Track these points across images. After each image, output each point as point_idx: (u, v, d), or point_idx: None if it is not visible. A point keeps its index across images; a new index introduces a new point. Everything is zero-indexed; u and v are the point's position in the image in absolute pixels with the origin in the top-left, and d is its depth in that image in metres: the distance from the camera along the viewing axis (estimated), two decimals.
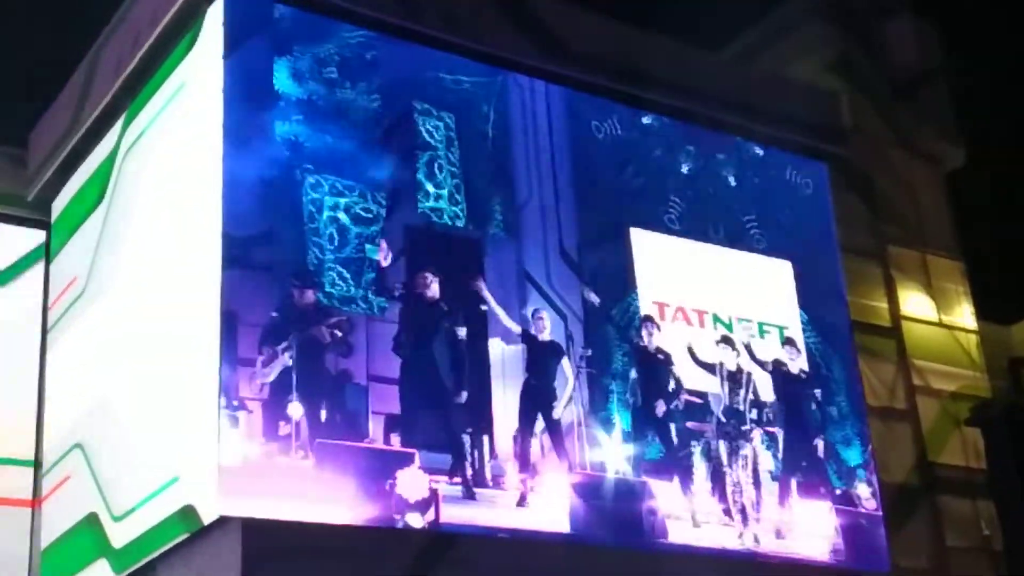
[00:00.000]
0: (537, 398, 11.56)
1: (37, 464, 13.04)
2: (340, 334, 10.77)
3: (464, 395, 11.19)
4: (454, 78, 12.30)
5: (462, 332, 11.31)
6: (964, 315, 15.16)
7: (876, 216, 14.98)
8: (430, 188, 11.81)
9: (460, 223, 11.87)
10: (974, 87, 16.48)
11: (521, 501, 11.11)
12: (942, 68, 16.25)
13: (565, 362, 11.79)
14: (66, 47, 13.94)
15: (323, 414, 10.49)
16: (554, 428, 11.53)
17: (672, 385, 12.34)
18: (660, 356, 12.42)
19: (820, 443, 12.97)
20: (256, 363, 10.39)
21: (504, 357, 11.58)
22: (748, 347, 12.91)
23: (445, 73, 12.27)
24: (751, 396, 12.65)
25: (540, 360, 11.69)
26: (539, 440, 11.43)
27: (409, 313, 11.17)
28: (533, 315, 11.85)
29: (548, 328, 11.82)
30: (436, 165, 11.91)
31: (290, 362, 10.46)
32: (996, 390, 14.92)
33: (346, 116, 11.55)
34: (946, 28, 16.40)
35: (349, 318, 10.88)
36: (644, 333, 12.39)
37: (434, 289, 11.30)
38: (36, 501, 12.94)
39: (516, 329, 11.72)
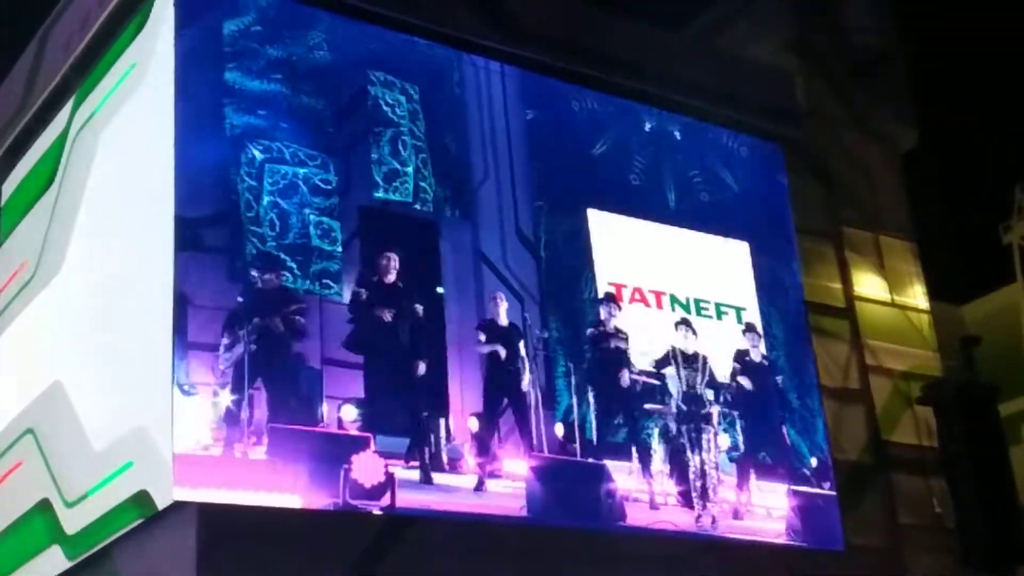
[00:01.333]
0: (497, 381, 11.52)
1: None
2: (300, 320, 10.69)
3: (421, 378, 11.13)
4: (409, 58, 12.22)
5: (419, 314, 11.25)
6: (917, 295, 15.29)
7: (830, 197, 15.05)
8: (385, 168, 11.74)
9: (416, 205, 11.80)
10: (929, 69, 16.59)
11: (479, 486, 11.10)
12: (898, 49, 16.33)
13: (522, 345, 11.77)
14: (14, 26, 13.72)
15: (277, 399, 10.41)
16: (512, 411, 11.51)
17: (629, 366, 12.35)
18: (618, 337, 12.42)
19: (776, 424, 13.05)
20: (219, 348, 10.30)
21: (460, 340, 11.54)
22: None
23: (400, 53, 12.19)
24: (707, 378, 12.70)
25: (499, 343, 11.64)
26: (496, 423, 11.41)
27: (366, 296, 11.08)
28: (491, 298, 11.82)
29: (504, 311, 11.79)
30: (391, 145, 11.84)
31: (253, 347, 10.37)
32: (948, 369, 15.05)
33: (299, 96, 11.44)
34: (902, 9, 16.48)
35: (306, 303, 10.80)
36: (603, 313, 12.39)
37: (393, 272, 11.23)
38: None
39: (473, 312, 11.69)
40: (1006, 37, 17.66)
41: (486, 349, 11.58)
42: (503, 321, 11.78)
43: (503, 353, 11.62)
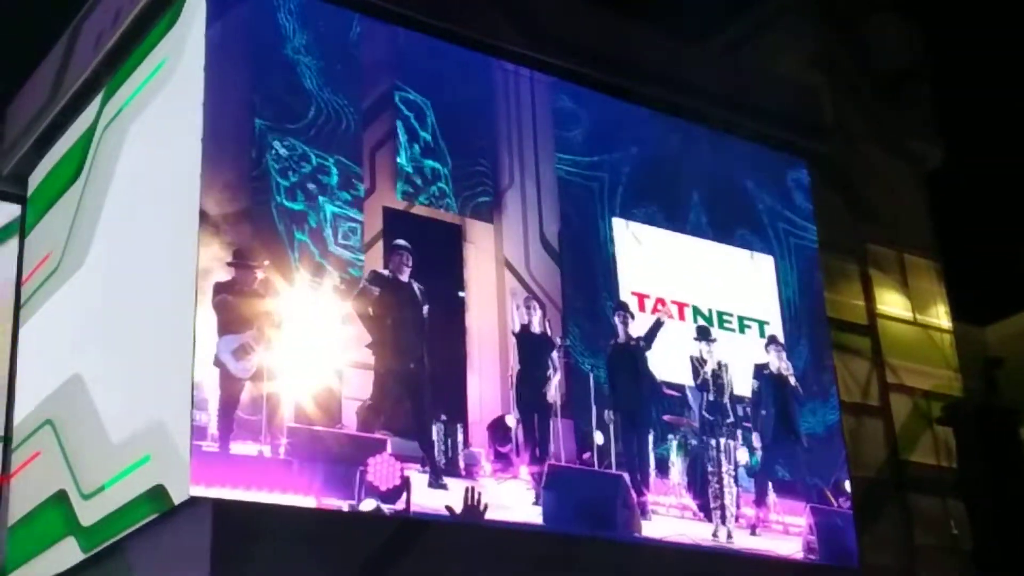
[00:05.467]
0: (521, 388, 11.51)
1: (6, 440, 12.92)
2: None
3: (438, 381, 11.12)
4: (437, 62, 12.23)
5: (438, 318, 11.23)
6: (939, 315, 15.22)
7: (855, 214, 15.00)
8: (410, 170, 11.74)
9: (440, 208, 11.80)
10: (956, 87, 16.51)
11: (494, 490, 11.06)
12: (924, 66, 16.28)
13: (548, 351, 11.74)
14: (46, 19, 13.78)
15: (297, 397, 10.40)
16: (533, 418, 11.48)
17: (649, 377, 12.31)
18: (639, 347, 12.38)
19: (795, 439, 12.98)
20: (239, 345, 10.30)
21: (480, 345, 11.53)
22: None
23: (430, 57, 12.19)
24: (728, 391, 12.65)
25: (530, 350, 11.62)
26: (514, 430, 11.39)
27: (386, 297, 11.07)
28: (524, 305, 11.79)
29: (538, 320, 11.77)
30: (417, 147, 11.84)
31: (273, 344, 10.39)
32: (969, 390, 14.98)
33: (328, 94, 11.45)
34: (929, 26, 16.41)
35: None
36: (618, 322, 12.36)
37: (406, 270, 11.20)
38: (4, 477, 12.83)
39: (494, 317, 11.67)
40: None
41: (518, 356, 11.55)
42: (536, 329, 11.75)
43: (533, 360, 11.59)
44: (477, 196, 12.05)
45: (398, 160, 11.72)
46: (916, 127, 16.01)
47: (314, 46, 11.50)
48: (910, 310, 15.02)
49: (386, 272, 11.17)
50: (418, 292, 11.22)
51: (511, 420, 11.34)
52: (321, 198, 11.14)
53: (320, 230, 11.03)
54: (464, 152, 12.10)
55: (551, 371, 11.69)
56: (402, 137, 11.81)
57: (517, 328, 11.72)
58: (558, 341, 11.90)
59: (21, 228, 13.71)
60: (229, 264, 10.40)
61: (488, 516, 10.89)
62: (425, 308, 11.19)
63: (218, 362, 10.22)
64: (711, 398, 12.53)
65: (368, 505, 10.26)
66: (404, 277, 11.22)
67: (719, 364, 12.70)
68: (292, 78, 11.30)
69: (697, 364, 12.63)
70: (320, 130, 11.31)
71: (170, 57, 11.44)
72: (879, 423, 14.22)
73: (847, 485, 13.15)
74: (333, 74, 11.54)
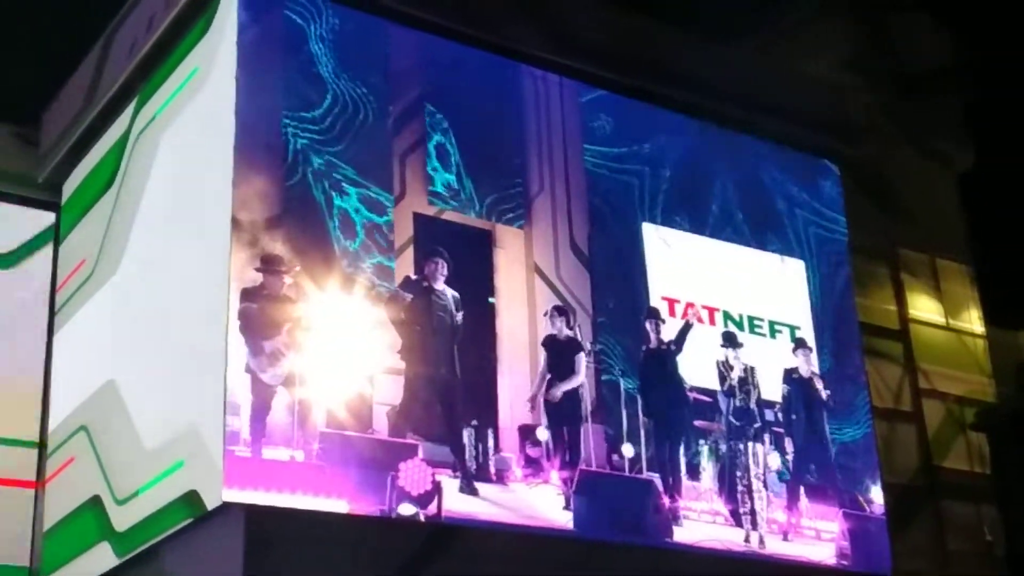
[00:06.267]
0: (551, 394, 11.51)
1: (41, 445, 13.04)
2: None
3: (469, 387, 11.14)
4: (467, 69, 12.26)
5: (468, 324, 11.25)
6: (973, 319, 15.13)
7: (886, 217, 14.92)
8: (441, 177, 11.77)
9: (471, 215, 11.83)
10: (988, 90, 16.40)
11: (524, 495, 11.07)
12: (956, 69, 16.18)
13: (579, 357, 11.74)
14: (80, 27, 13.89)
15: (329, 403, 10.45)
16: (563, 424, 11.48)
17: (680, 382, 12.29)
18: (669, 352, 12.36)
19: (826, 444, 12.92)
20: (272, 350, 10.35)
21: (511, 351, 11.54)
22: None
23: (459, 64, 12.22)
24: (758, 396, 12.60)
25: (558, 356, 11.63)
26: (545, 434, 11.39)
27: (418, 303, 11.11)
28: (551, 313, 11.80)
29: (564, 325, 11.78)
30: (448, 154, 11.87)
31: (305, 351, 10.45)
32: (1003, 395, 14.87)
33: (357, 103, 11.50)
34: (961, 29, 16.31)
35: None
36: (649, 327, 12.34)
37: (441, 278, 11.24)
38: (40, 483, 12.94)
39: (525, 323, 11.68)
40: None
41: (545, 364, 11.58)
42: (563, 336, 11.75)
43: (562, 367, 11.59)
44: (507, 202, 12.06)
45: (428, 166, 11.75)
46: (948, 129, 15.91)
47: (343, 54, 11.54)
48: (943, 314, 14.94)
49: (419, 278, 11.20)
50: (452, 299, 11.25)
51: (543, 432, 11.32)
52: (352, 204, 11.17)
53: (351, 236, 11.06)
54: (493, 158, 12.12)
55: (580, 377, 11.68)
56: (431, 144, 11.83)
57: (545, 336, 11.70)
58: (588, 347, 11.89)
59: (56, 235, 13.82)
60: (258, 270, 10.46)
61: (519, 521, 10.89)
62: (459, 315, 11.21)
63: (249, 368, 10.27)
64: (738, 403, 12.49)
65: (406, 510, 10.28)
66: (438, 284, 11.25)
67: (746, 369, 12.65)
68: (323, 88, 11.33)
69: (724, 369, 12.59)
70: (351, 137, 11.35)
71: (202, 65, 11.52)
72: (912, 429, 14.15)
73: (879, 490, 13.06)
74: (362, 81, 11.57)
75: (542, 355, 11.64)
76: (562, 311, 11.85)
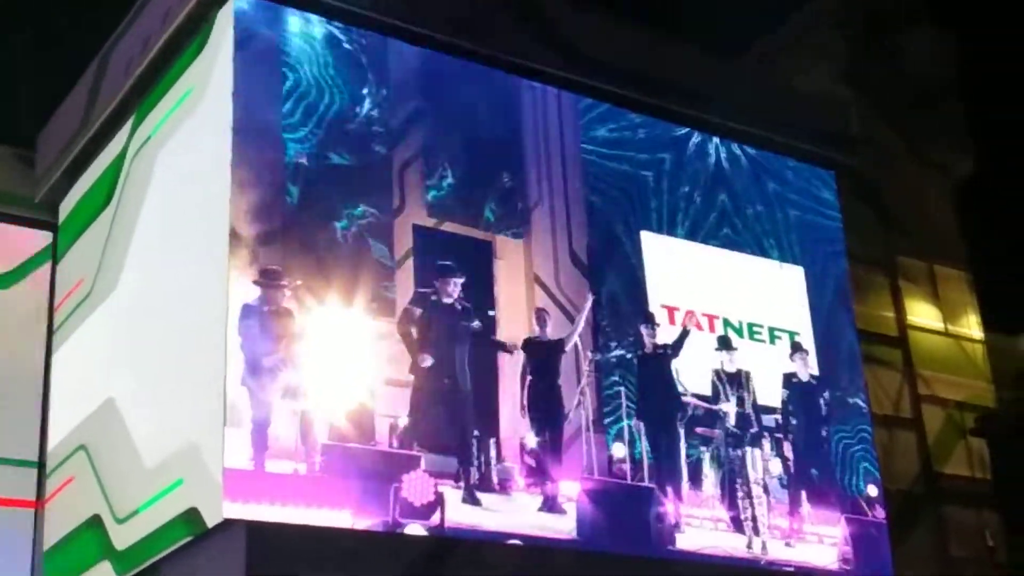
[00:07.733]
0: (544, 402, 11.51)
1: (41, 465, 13.01)
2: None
3: (472, 398, 11.13)
4: (465, 81, 12.28)
5: (474, 335, 11.25)
6: (971, 325, 15.14)
7: (884, 225, 14.95)
8: (439, 188, 11.78)
9: (470, 226, 11.83)
10: (986, 97, 16.47)
11: (527, 506, 11.05)
12: (954, 78, 16.24)
13: (574, 365, 11.74)
14: (76, 47, 13.93)
15: (331, 415, 10.44)
16: (561, 432, 11.47)
17: (681, 389, 12.29)
18: (670, 360, 12.34)
19: (827, 450, 12.90)
20: (272, 364, 10.35)
21: (512, 362, 11.53)
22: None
23: (457, 76, 12.25)
24: (752, 400, 12.58)
25: (544, 362, 11.62)
26: (546, 445, 11.38)
27: (427, 317, 11.10)
28: (535, 316, 11.81)
29: (550, 327, 11.77)
30: (445, 166, 11.88)
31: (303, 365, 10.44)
32: (1002, 401, 14.87)
33: (354, 118, 11.52)
34: (958, 38, 16.38)
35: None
36: (655, 336, 12.34)
37: (454, 294, 11.24)
38: (39, 502, 12.90)
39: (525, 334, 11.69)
40: None
41: (527, 367, 11.56)
42: (546, 338, 11.72)
43: (547, 371, 11.59)
44: (506, 213, 12.07)
45: (426, 179, 11.76)
46: (946, 137, 15.96)
47: (340, 69, 11.56)
48: (941, 321, 14.95)
49: (428, 291, 11.20)
50: (462, 311, 11.23)
51: (531, 439, 11.31)
52: (351, 217, 11.18)
53: (351, 249, 11.06)
54: (493, 169, 12.13)
55: (576, 382, 11.66)
56: (430, 156, 11.84)
57: (523, 340, 11.64)
58: (589, 355, 11.88)
59: (53, 254, 13.83)
60: (257, 283, 10.45)
61: (523, 532, 10.87)
62: (473, 324, 11.21)
63: (249, 383, 10.25)
64: (736, 409, 12.48)
65: (413, 529, 10.26)
66: (448, 299, 11.23)
67: (742, 374, 12.65)
68: (319, 106, 11.35)
69: (720, 375, 12.58)
70: (349, 150, 11.36)
71: (198, 84, 11.54)
72: (912, 435, 14.14)
73: (881, 496, 13.05)
74: (360, 96, 11.60)
75: (521, 357, 11.59)
76: (540, 313, 11.80)
